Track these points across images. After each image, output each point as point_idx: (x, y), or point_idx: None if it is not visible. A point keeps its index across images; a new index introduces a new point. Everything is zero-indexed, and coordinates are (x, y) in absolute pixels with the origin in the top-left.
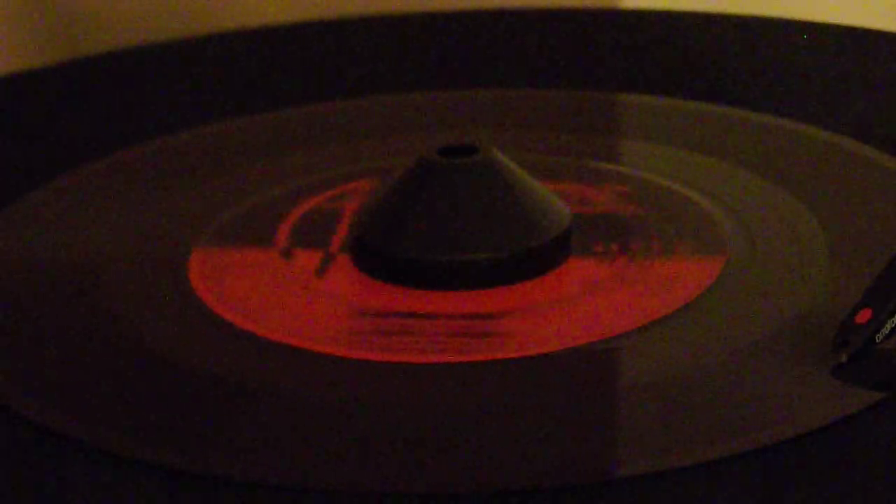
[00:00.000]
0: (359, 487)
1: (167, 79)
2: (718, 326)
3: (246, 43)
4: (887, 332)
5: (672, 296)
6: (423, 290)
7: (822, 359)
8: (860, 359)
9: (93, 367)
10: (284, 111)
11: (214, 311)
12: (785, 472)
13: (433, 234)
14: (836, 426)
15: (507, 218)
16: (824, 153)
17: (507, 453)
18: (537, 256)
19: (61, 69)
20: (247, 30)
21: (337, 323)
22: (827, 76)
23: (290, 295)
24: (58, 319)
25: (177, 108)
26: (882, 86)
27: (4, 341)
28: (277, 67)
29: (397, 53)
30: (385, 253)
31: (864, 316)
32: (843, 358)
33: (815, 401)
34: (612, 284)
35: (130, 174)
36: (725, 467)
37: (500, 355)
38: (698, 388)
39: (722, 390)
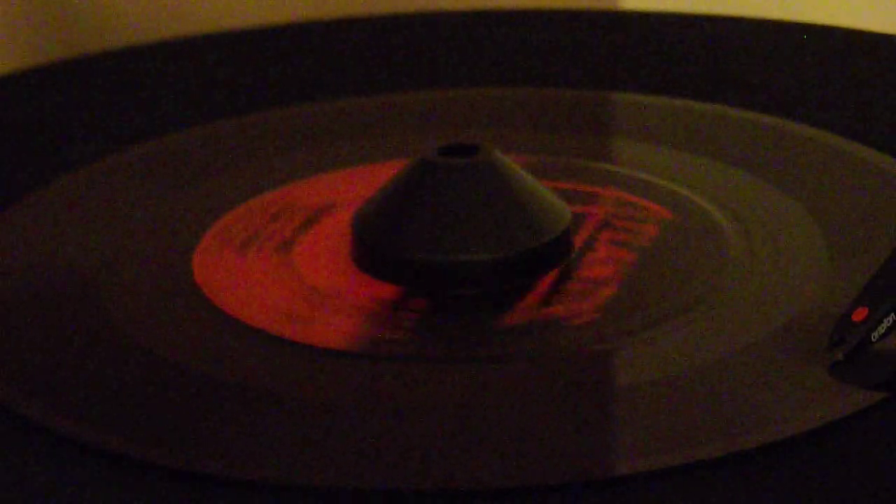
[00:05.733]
0: (359, 487)
1: (167, 79)
2: (717, 326)
3: (246, 43)
4: (883, 330)
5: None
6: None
7: (820, 358)
8: (856, 357)
9: (93, 368)
10: (284, 111)
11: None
12: (782, 472)
13: (433, 234)
14: (833, 426)
15: (507, 218)
16: (823, 154)
17: (506, 452)
18: (537, 256)
19: (61, 69)
20: (247, 30)
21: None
22: (826, 76)
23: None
24: (58, 319)
25: (176, 108)
26: (881, 86)
27: (4, 341)
28: (277, 67)
29: (396, 53)
30: (385, 253)
31: (860, 314)
32: (839, 356)
33: (812, 401)
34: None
35: (130, 174)
36: (723, 467)
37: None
38: (697, 388)
39: (721, 390)
